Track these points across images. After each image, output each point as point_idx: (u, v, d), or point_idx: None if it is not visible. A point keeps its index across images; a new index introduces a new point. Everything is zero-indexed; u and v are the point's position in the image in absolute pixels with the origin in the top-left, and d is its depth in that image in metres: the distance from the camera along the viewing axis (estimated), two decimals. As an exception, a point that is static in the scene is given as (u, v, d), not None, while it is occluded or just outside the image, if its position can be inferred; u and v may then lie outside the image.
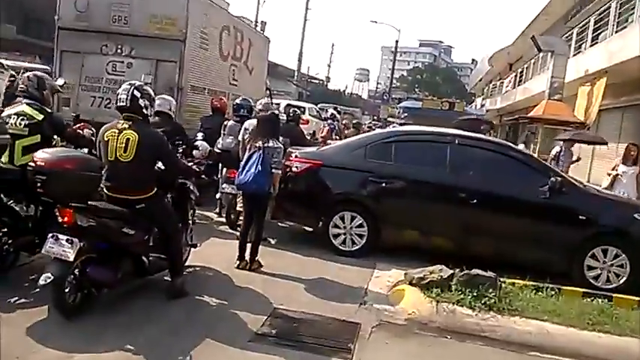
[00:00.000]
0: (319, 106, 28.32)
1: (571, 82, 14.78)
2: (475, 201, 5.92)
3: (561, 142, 10.38)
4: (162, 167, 4.35)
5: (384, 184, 6.15)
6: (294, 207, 6.56)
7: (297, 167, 6.35)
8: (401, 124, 16.50)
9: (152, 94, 4.22)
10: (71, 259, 3.59)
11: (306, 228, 6.84)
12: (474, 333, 4.33)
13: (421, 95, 48.49)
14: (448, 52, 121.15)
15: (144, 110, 4.10)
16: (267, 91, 13.72)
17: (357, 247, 6.20)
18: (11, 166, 4.27)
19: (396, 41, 37.16)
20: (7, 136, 4.32)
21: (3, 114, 4.48)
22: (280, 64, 43.55)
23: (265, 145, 5.24)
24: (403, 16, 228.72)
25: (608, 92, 13.18)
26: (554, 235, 5.91)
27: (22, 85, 4.56)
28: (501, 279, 4.95)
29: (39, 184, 3.68)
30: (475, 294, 4.59)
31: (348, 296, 4.93)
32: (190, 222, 5.07)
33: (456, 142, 6.33)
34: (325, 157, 6.47)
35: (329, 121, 16.26)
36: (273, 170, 5.29)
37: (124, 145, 3.94)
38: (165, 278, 4.54)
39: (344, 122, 17.45)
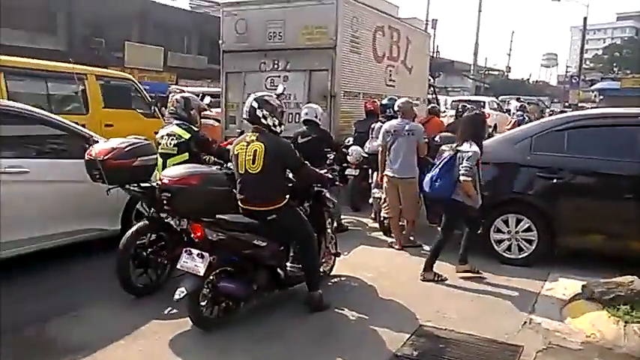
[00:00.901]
0: (500, 98, 26.22)
1: None
2: None
3: None
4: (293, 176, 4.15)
5: (555, 180, 5.13)
6: None
7: None
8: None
9: (276, 104, 4.02)
10: (202, 273, 3.54)
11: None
12: None
13: (620, 75, 41.41)
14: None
15: (262, 120, 3.92)
16: (431, 88, 12.83)
17: (524, 255, 5.27)
18: None
19: (585, 18, 32.37)
20: (153, 157, 4.45)
21: (157, 135, 4.70)
22: (455, 59, 41.61)
23: (458, 148, 4.70)
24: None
25: None
26: None
27: (172, 107, 4.76)
28: None
29: (165, 202, 3.65)
30: None
31: (511, 312, 4.17)
32: (329, 230, 4.74)
33: None
34: (483, 153, 5.48)
35: (518, 113, 14.97)
36: (461, 178, 4.60)
37: (252, 156, 3.84)
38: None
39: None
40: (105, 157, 4.07)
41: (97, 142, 4.64)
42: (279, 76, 8.56)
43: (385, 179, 5.90)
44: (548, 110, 22.63)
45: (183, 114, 4.64)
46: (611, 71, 57.58)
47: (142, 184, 4.30)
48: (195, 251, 3.59)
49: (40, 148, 4.89)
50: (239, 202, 3.94)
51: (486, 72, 50.41)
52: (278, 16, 8.53)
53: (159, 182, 3.78)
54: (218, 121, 9.42)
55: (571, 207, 5.19)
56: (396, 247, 5.86)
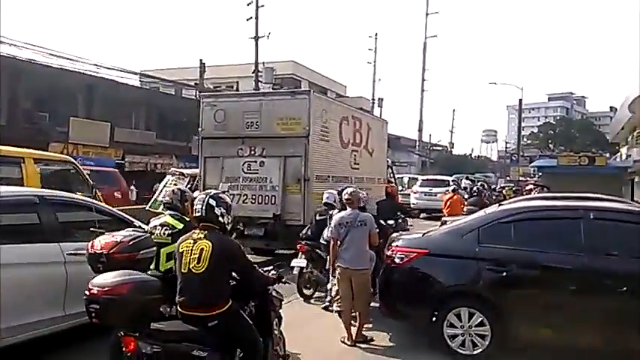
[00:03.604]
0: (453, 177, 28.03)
1: None
2: (625, 289, 4.89)
3: None
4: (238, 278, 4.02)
5: (504, 273, 5.24)
6: (401, 304, 5.83)
7: (400, 258, 5.64)
8: (536, 186, 15.93)
9: (229, 202, 4.05)
10: None
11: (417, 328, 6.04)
12: None
13: (555, 151, 45.91)
14: (581, 103, 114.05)
15: (220, 219, 3.86)
16: (389, 169, 14.45)
17: (479, 350, 5.26)
18: (157, 272, 4.65)
19: (520, 100, 36.34)
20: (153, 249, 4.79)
21: (150, 225, 5.11)
22: (401, 135, 44.64)
23: None
24: (526, 72, 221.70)
25: None
26: None
27: (168, 198, 5.17)
28: None
29: (93, 314, 3.53)
30: None
31: None
32: (277, 332, 4.51)
33: (590, 215, 5.29)
34: (431, 245, 5.72)
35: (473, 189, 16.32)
36: None
37: (197, 255, 3.69)
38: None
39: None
40: (110, 251, 4.23)
41: (138, 226, 5.45)
42: (255, 161, 9.76)
43: (338, 270, 5.95)
44: (499, 187, 24.72)
45: (178, 205, 4.94)
46: (547, 147, 63.49)
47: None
48: None
49: (95, 232, 5.64)
50: (177, 307, 3.75)
51: (431, 147, 54.13)
52: (255, 107, 9.89)
53: (86, 293, 3.63)
54: None
55: (519, 301, 5.27)
56: (348, 342, 5.77)
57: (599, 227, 5.25)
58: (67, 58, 21.91)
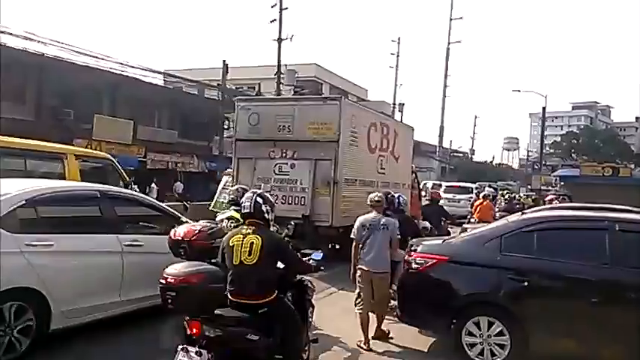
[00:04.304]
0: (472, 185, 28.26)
1: None
2: None
3: None
4: (283, 267, 4.45)
5: (526, 283, 5.26)
6: (419, 310, 5.85)
7: (419, 264, 5.69)
8: (558, 196, 16.45)
9: (273, 200, 4.51)
10: None
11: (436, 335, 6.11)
12: None
13: (578, 161, 45.82)
14: (606, 113, 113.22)
15: (266, 215, 4.28)
16: (414, 174, 14.95)
17: None
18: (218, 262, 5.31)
19: (543, 108, 36.24)
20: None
21: (217, 218, 5.97)
22: (422, 141, 44.92)
23: None
24: (551, 80, 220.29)
25: None
26: None
27: (233, 195, 6.16)
28: None
29: (169, 300, 3.95)
30: None
31: None
32: (311, 319, 5.04)
33: (616, 227, 5.23)
34: (452, 252, 5.76)
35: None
36: None
37: (248, 249, 4.06)
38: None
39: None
40: (191, 238, 4.98)
41: (185, 221, 6.14)
42: (286, 163, 10.33)
43: (359, 273, 6.15)
44: (517, 195, 24.93)
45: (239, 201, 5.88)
46: (570, 157, 63.19)
47: (213, 260, 5.59)
48: (192, 349, 3.77)
49: (146, 225, 6.34)
50: (229, 295, 4.07)
51: (451, 154, 54.35)
52: (287, 112, 10.47)
53: (162, 281, 4.03)
54: None
55: (540, 312, 5.26)
56: (364, 346, 5.89)
57: (624, 239, 5.18)
58: (93, 56, 22.63)
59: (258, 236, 4.13)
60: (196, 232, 5.10)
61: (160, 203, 6.99)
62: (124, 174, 9.98)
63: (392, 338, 6.16)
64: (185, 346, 3.81)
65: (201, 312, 3.90)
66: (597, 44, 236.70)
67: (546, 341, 5.22)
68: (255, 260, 4.06)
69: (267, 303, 4.09)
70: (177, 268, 4.15)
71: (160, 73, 29.44)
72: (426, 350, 5.93)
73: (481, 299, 5.53)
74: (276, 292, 4.19)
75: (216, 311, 3.96)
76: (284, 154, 10.35)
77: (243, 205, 4.38)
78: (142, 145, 26.48)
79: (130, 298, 5.73)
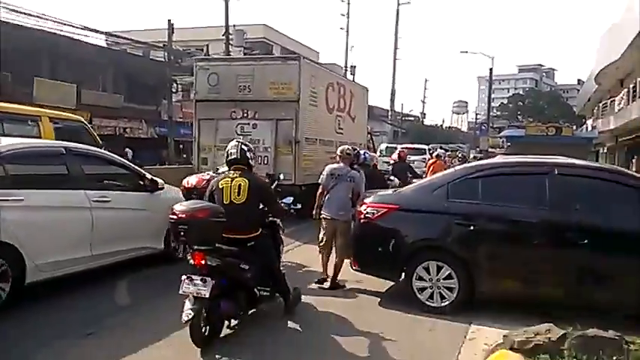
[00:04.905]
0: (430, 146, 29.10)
1: None
2: (586, 241, 5.12)
3: None
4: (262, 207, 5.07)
5: (472, 227, 5.49)
6: (371, 258, 6.06)
7: (371, 213, 5.87)
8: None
9: (252, 147, 5.22)
10: (208, 295, 4.21)
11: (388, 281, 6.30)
12: None
13: (524, 122, 47.79)
14: (551, 75, 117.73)
15: (250, 161, 5.01)
16: (369, 135, 15.40)
17: (447, 303, 5.52)
18: None
19: (490, 69, 37.49)
20: None
21: (219, 170, 6.25)
22: (374, 105, 45.53)
23: None
24: (498, 43, 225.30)
25: None
26: None
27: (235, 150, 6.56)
28: (628, 339, 4.07)
29: (182, 233, 4.38)
30: None
31: None
32: (281, 254, 5.71)
33: (555, 172, 5.54)
34: (402, 201, 5.97)
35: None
36: None
37: (237, 190, 4.74)
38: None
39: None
40: (201, 186, 5.86)
41: (150, 179, 6.52)
42: (248, 124, 10.63)
43: (323, 219, 6.51)
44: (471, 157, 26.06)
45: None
46: (516, 119, 65.76)
47: None
48: (196, 277, 4.26)
49: (113, 183, 6.54)
50: None
51: (403, 118, 55.40)
52: (247, 72, 10.71)
53: (173, 217, 4.41)
54: None
55: (488, 254, 5.51)
56: (326, 285, 6.36)
57: (563, 182, 5.48)
58: (28, 14, 21.65)
59: (245, 179, 4.79)
60: (205, 181, 6.01)
61: (126, 161, 7.21)
62: (97, 137, 10.13)
63: (345, 287, 6.41)
64: (189, 275, 4.29)
65: (206, 243, 4.39)
66: (542, 6, 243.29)
67: (492, 282, 5.50)
68: (243, 200, 4.72)
69: (254, 237, 4.80)
70: (185, 205, 4.58)
71: (102, 33, 28.31)
72: (383, 290, 6.27)
73: (430, 245, 5.73)
74: (261, 229, 4.91)
75: (217, 245, 4.48)
76: (245, 115, 10.60)
77: (229, 152, 4.97)
78: (87, 110, 25.70)
79: (100, 252, 5.96)
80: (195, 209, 4.47)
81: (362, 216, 5.91)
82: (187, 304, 4.25)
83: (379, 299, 5.97)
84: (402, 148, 16.08)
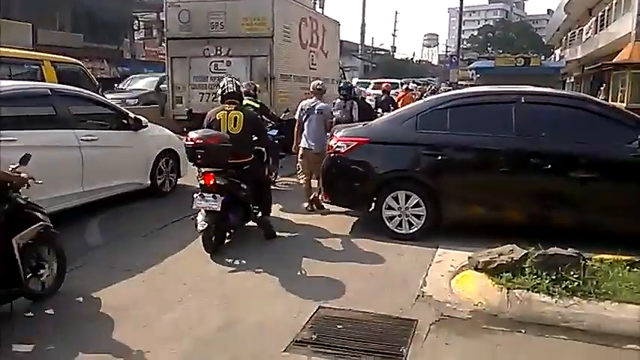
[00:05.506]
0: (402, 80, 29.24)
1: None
2: (550, 166, 5.37)
3: None
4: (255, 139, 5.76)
5: (440, 157, 5.72)
6: (342, 190, 6.28)
7: (342, 146, 6.03)
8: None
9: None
10: (219, 209, 4.99)
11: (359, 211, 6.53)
12: (555, 324, 3.80)
13: (494, 54, 48.19)
14: (520, 6, 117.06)
15: (242, 96, 5.87)
16: (341, 70, 15.62)
17: (415, 229, 5.78)
18: None
19: (461, 0, 37.15)
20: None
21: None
22: (344, 39, 45.02)
23: None
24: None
25: None
26: None
27: (245, 89, 7.03)
28: (586, 256, 4.29)
29: (199, 157, 5.09)
30: (554, 277, 4.05)
31: (405, 287, 4.50)
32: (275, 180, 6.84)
33: (522, 100, 5.71)
34: (373, 133, 6.13)
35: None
36: None
37: (233, 121, 5.41)
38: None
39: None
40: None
41: (134, 117, 6.97)
42: (222, 61, 10.70)
43: (300, 150, 7.02)
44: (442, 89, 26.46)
45: (251, 92, 7.49)
46: (486, 50, 66.04)
47: None
48: (207, 194, 5.02)
49: (99, 122, 6.76)
50: None
51: (373, 52, 55.06)
52: (219, 7, 10.63)
53: (190, 143, 5.09)
54: None
55: (455, 182, 5.75)
56: (309, 208, 6.92)
57: (529, 110, 5.64)
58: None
59: (239, 112, 5.51)
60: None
61: (110, 101, 7.46)
62: (94, 78, 10.59)
63: (325, 209, 6.87)
64: (201, 193, 5.05)
65: (218, 165, 5.14)
66: None
67: (458, 208, 5.76)
68: (239, 131, 5.41)
69: (249, 162, 5.55)
70: (199, 133, 5.20)
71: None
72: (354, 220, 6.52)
73: (399, 175, 5.93)
74: (253, 155, 5.66)
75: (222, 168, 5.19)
76: (219, 52, 10.67)
77: (225, 87, 5.59)
78: (46, 51, 24.89)
79: (91, 188, 6.30)
80: (208, 136, 5.15)
81: (332, 150, 6.11)
82: (200, 217, 5.01)
83: (351, 228, 6.27)
84: (375, 82, 16.57)
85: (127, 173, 6.88)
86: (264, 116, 7.41)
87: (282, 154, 8.23)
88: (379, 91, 22.37)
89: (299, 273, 4.87)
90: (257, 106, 7.34)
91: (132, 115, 7.14)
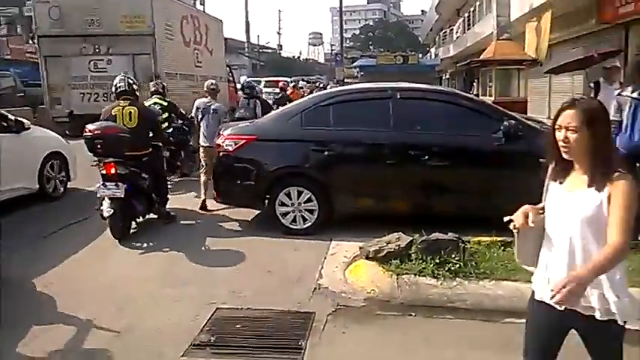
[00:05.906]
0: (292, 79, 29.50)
1: (519, 19, 16.22)
2: (426, 157, 5.68)
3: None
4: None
5: (326, 152, 5.87)
6: (234, 189, 6.24)
7: (230, 145, 6.04)
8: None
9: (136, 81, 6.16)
10: (122, 196, 5.23)
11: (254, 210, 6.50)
12: (441, 305, 3.98)
13: (376, 52, 50.31)
14: (397, 6, 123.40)
15: (136, 92, 5.95)
16: (228, 68, 15.61)
17: (309, 224, 5.90)
18: None
19: (340, 0, 38.40)
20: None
21: (147, 103, 7.03)
22: (229, 37, 44.58)
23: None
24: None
25: (558, 25, 14.26)
26: (516, 183, 5.36)
27: (154, 88, 7.74)
28: (465, 239, 4.58)
29: (99, 146, 5.28)
30: (438, 261, 4.29)
31: (301, 281, 4.56)
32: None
33: (398, 96, 6.00)
34: (260, 131, 6.19)
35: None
36: None
37: (128, 116, 5.65)
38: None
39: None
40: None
41: (17, 119, 6.56)
42: (102, 59, 10.34)
43: (201, 147, 7.19)
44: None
45: (161, 90, 7.76)
46: (368, 49, 68.83)
47: None
48: (109, 183, 5.24)
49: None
50: None
51: (260, 50, 55.13)
52: (93, 4, 10.24)
53: (89, 134, 5.27)
54: None
55: (341, 176, 5.86)
56: (201, 204, 6.83)
57: (404, 105, 5.91)
58: None
59: (134, 107, 5.73)
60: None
61: None
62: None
63: (211, 210, 6.79)
64: (103, 182, 5.24)
65: (117, 155, 5.34)
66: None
67: (348, 202, 5.91)
68: (135, 125, 5.65)
69: (147, 154, 5.82)
70: (96, 125, 5.37)
71: None
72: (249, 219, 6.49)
73: (289, 172, 5.96)
74: (151, 148, 5.92)
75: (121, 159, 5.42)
76: (97, 50, 10.30)
77: (117, 85, 5.80)
78: None
79: None
80: (106, 127, 5.39)
81: (221, 149, 6.08)
82: (105, 204, 5.24)
83: (247, 226, 6.26)
84: (267, 80, 16.84)
85: (13, 178, 6.44)
86: (172, 114, 7.74)
87: (196, 150, 8.11)
88: (270, 89, 23.12)
89: (196, 276, 4.71)
90: (165, 104, 7.52)
91: (12, 117, 6.70)
